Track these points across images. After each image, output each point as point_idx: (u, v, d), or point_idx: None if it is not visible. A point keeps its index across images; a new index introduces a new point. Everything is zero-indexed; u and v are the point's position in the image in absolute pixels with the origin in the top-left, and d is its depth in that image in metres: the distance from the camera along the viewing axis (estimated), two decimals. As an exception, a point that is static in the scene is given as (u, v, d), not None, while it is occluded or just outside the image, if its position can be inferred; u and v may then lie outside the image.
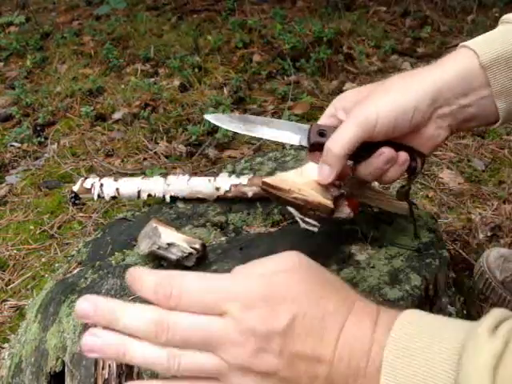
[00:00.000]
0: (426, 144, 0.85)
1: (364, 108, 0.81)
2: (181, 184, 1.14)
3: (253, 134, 0.91)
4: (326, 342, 0.56)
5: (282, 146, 2.28)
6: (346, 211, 0.90)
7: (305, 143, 0.88)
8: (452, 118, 0.83)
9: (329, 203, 0.85)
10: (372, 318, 0.57)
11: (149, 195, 1.15)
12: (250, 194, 1.12)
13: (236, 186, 1.12)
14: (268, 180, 0.85)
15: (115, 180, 1.17)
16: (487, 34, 0.85)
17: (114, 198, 1.17)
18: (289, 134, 0.89)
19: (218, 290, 0.57)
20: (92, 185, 1.16)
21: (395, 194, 0.99)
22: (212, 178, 1.14)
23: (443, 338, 0.52)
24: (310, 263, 0.62)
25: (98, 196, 1.16)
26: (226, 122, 0.91)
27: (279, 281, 0.58)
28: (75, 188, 1.17)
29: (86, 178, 1.19)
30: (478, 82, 0.80)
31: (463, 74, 0.80)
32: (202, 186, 1.13)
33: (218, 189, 1.13)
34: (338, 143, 0.80)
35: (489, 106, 0.82)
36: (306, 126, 0.89)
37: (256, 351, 0.55)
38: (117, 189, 1.15)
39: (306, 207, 0.85)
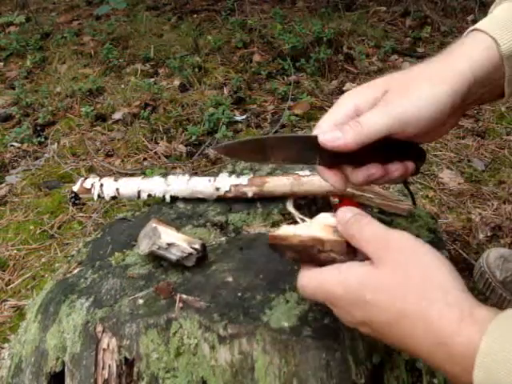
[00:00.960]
0: (435, 136, 0.82)
1: (403, 99, 0.74)
2: (181, 184, 1.14)
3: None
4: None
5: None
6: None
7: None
8: (467, 106, 0.82)
9: (340, 239, 0.74)
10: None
11: (149, 195, 1.15)
12: (249, 194, 1.12)
13: (236, 186, 1.12)
14: (274, 233, 0.77)
15: (115, 180, 1.17)
16: (500, 12, 0.81)
17: (114, 198, 1.17)
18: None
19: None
20: (92, 185, 1.16)
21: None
22: (212, 178, 1.14)
23: None
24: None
25: (98, 196, 1.16)
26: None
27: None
28: (75, 188, 1.17)
29: (85, 178, 1.19)
30: (498, 73, 0.78)
31: (487, 67, 0.77)
32: (202, 186, 1.13)
33: (217, 189, 1.13)
34: (365, 125, 0.74)
35: (498, 90, 0.80)
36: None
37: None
38: (117, 189, 1.15)
39: (315, 248, 0.74)
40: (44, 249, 1.80)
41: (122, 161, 2.25)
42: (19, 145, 2.40)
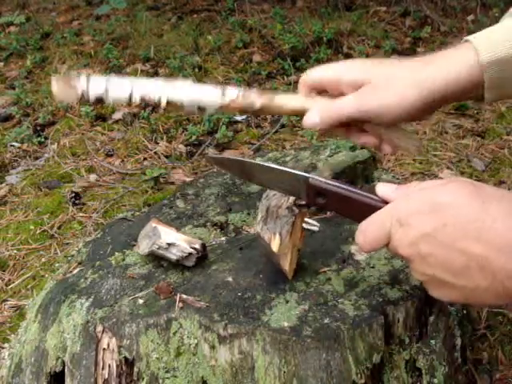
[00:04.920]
0: (410, 121, 0.93)
1: (377, 94, 0.87)
2: (181, 87, 0.97)
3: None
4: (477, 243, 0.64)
5: (282, 146, 2.29)
6: None
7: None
8: (442, 104, 0.90)
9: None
10: None
11: (142, 99, 0.97)
12: (257, 105, 0.97)
13: (244, 93, 0.97)
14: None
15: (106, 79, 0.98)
16: (493, 29, 0.86)
17: (99, 100, 0.98)
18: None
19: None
20: (77, 79, 0.96)
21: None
22: (219, 86, 0.98)
23: None
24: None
25: (82, 96, 0.96)
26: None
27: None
28: (55, 84, 0.96)
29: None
30: (474, 83, 0.84)
31: (464, 77, 0.83)
32: (206, 91, 0.97)
33: (223, 94, 0.97)
34: (336, 107, 0.89)
35: (479, 95, 0.86)
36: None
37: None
38: (106, 89, 0.96)
39: None
40: (44, 249, 1.80)
41: (122, 161, 2.25)
42: (19, 145, 2.40)
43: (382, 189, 0.77)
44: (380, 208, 0.74)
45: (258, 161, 0.97)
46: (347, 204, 0.79)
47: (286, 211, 0.88)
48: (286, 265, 0.89)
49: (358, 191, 0.79)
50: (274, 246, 0.87)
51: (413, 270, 0.72)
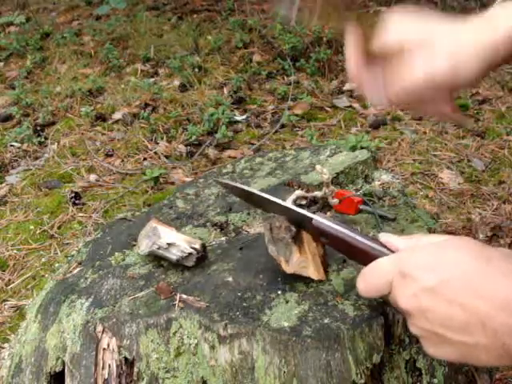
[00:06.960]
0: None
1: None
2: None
3: None
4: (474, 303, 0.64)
5: (282, 146, 2.29)
6: None
7: None
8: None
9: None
10: None
11: None
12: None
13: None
14: None
15: None
16: None
17: None
18: None
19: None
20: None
21: None
22: None
23: None
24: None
25: None
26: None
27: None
28: None
29: None
30: None
31: None
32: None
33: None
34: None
35: None
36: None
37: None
38: None
39: None
40: (44, 249, 1.80)
41: (122, 161, 2.25)
42: (19, 145, 2.40)
43: (386, 237, 0.78)
44: (382, 256, 0.76)
45: (264, 193, 0.95)
46: (350, 247, 0.81)
47: (284, 232, 0.88)
48: (312, 274, 0.89)
49: (361, 237, 0.81)
50: (284, 267, 0.88)
51: (411, 325, 0.72)
